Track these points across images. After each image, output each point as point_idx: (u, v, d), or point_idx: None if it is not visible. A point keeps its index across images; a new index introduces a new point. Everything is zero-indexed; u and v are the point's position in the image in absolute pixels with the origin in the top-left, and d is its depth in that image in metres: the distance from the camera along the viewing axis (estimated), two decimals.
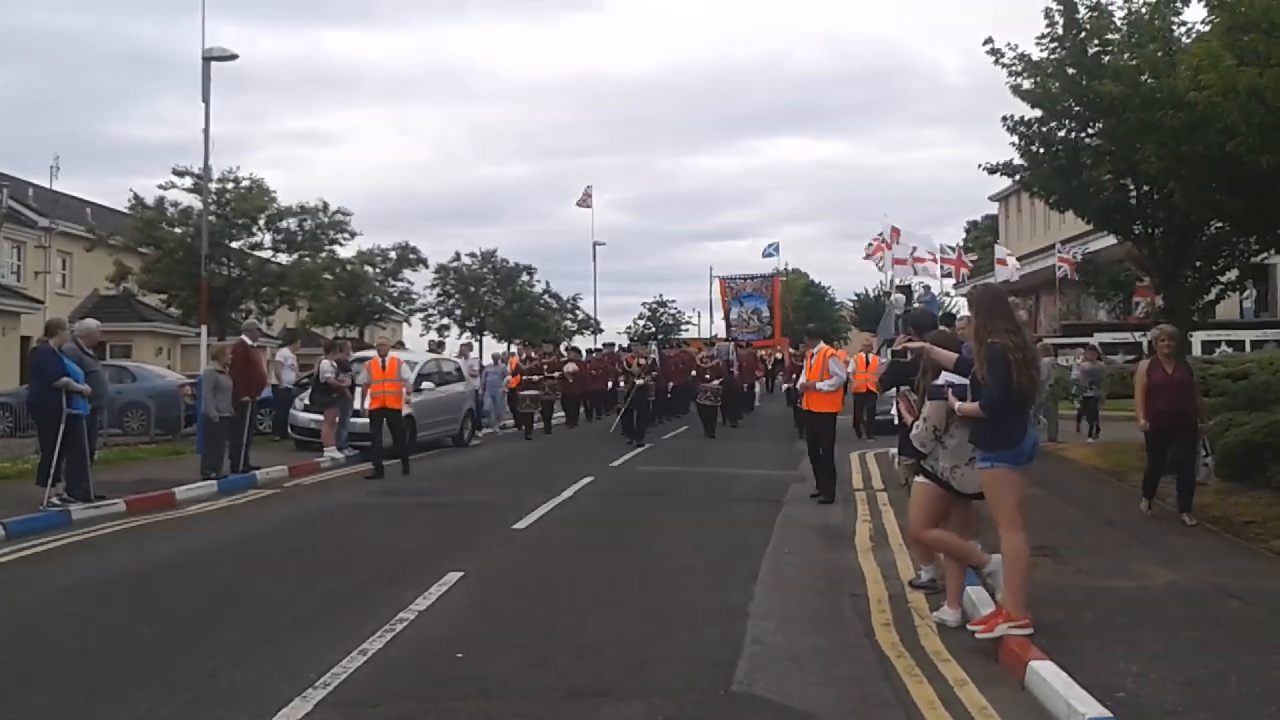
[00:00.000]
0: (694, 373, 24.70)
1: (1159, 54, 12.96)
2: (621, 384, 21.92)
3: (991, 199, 55.21)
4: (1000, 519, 6.47)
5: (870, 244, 38.78)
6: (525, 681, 5.96)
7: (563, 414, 26.69)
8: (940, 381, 6.96)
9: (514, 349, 31.09)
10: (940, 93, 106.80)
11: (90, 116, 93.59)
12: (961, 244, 70.82)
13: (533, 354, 25.27)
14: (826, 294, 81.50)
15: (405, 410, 16.99)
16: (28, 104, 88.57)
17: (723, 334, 38.76)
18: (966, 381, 6.66)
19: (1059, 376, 19.94)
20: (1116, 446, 16.12)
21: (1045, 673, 5.44)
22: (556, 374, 24.97)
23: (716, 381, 23.43)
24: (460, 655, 6.45)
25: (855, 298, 73.76)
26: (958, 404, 6.60)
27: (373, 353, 17.96)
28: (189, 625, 7.27)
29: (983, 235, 62.32)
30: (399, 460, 16.23)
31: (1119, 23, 14.03)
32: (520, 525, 11.26)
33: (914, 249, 34.13)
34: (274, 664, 6.24)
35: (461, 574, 8.57)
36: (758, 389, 34.15)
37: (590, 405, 28.24)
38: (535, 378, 23.74)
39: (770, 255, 52.61)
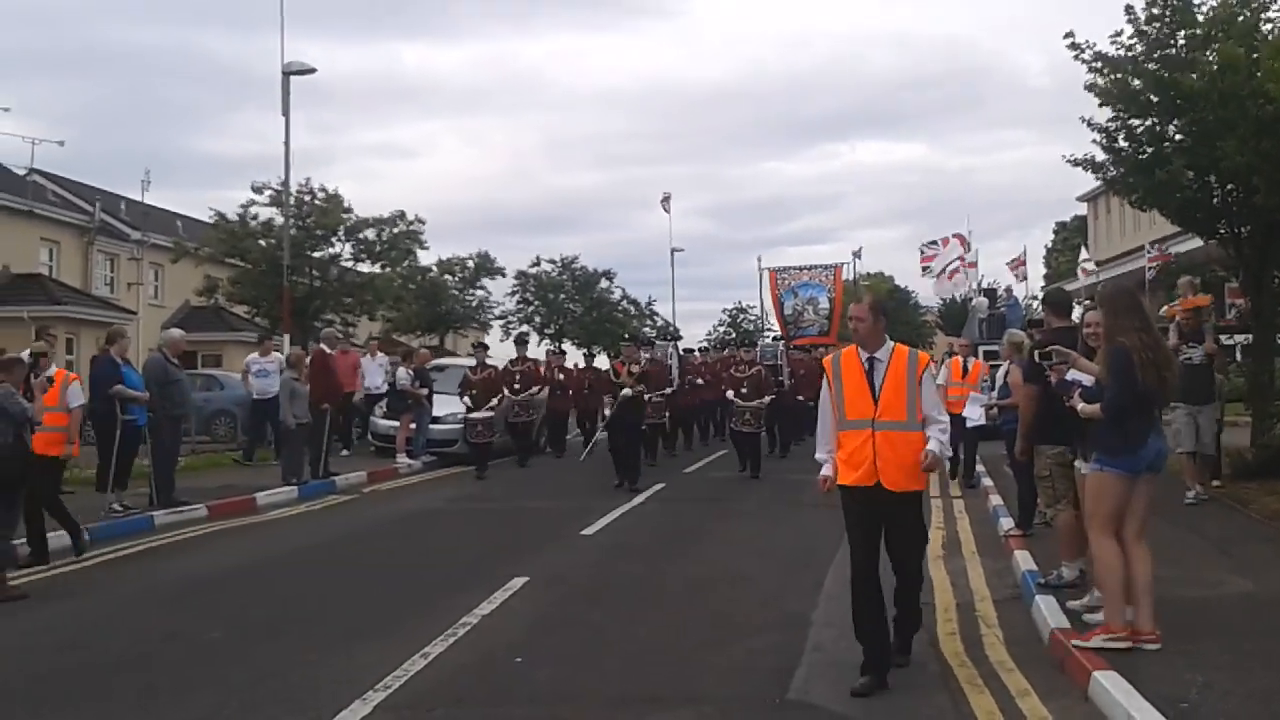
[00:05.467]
0: (725, 387, 17.71)
1: (1241, 50, 12.57)
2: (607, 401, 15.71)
3: (1079, 199, 53.96)
4: (1092, 524, 6.34)
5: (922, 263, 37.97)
6: (579, 686, 6.00)
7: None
8: (1070, 378, 6.84)
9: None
10: (1023, 93, 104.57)
11: (178, 131, 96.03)
12: (1049, 245, 69.95)
13: (489, 360, 18.85)
14: (911, 298, 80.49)
15: None
16: (117, 119, 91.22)
17: (764, 336, 35.01)
18: (1091, 381, 6.53)
19: None
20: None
21: (1108, 683, 5.30)
22: (535, 389, 19.05)
23: (758, 400, 16.51)
24: (519, 660, 6.50)
25: (941, 302, 72.68)
26: (1081, 405, 6.47)
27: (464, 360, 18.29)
28: (258, 628, 7.43)
29: (1071, 237, 61.04)
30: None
31: (1203, 17, 13.65)
32: (588, 531, 11.31)
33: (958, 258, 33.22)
34: (337, 667, 6.34)
35: (527, 579, 8.66)
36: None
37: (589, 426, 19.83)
38: (494, 399, 17.59)
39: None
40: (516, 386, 18.38)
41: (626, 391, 15.04)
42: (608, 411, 15.51)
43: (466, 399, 17.35)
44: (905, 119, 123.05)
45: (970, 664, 6.23)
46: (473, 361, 19.10)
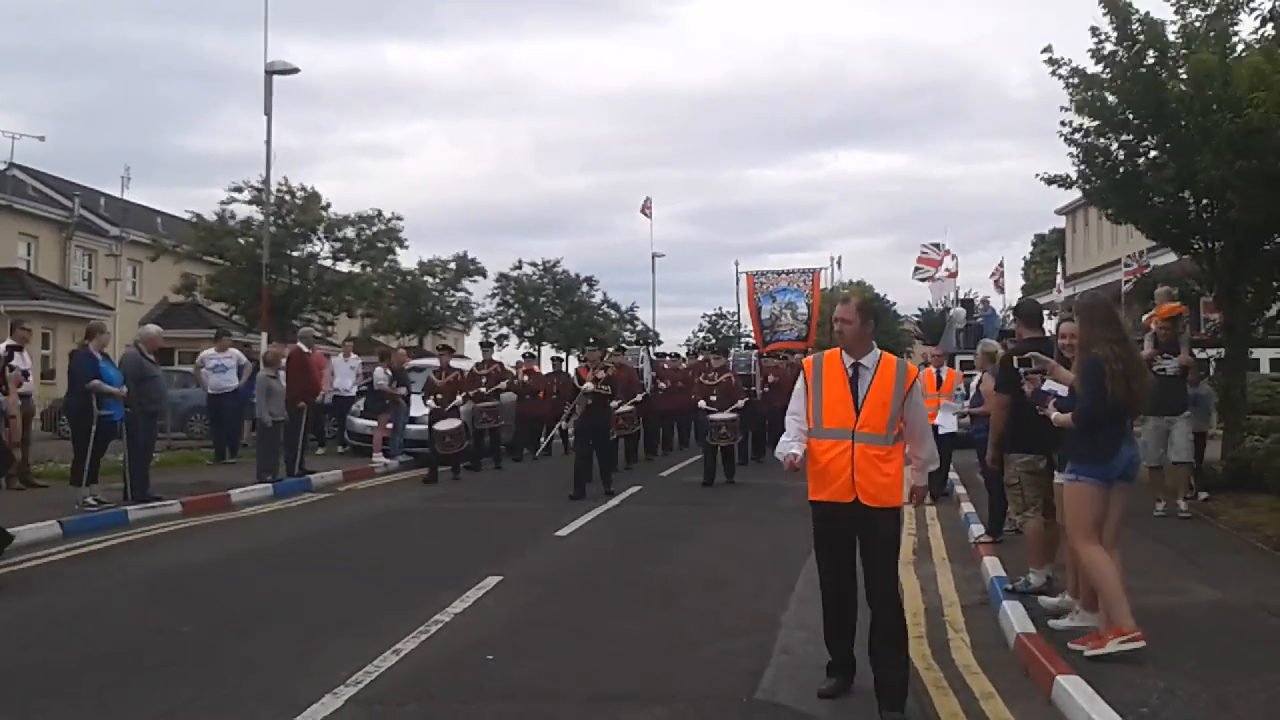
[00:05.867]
0: (694, 395, 17.12)
1: (1216, 67, 12.73)
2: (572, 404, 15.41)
3: (1058, 212, 54.35)
4: (1075, 535, 6.41)
5: (919, 264, 38.06)
6: (551, 684, 6.03)
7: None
8: (1045, 389, 6.95)
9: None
10: (1006, 105, 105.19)
11: (159, 128, 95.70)
12: (1028, 257, 70.36)
13: (454, 363, 18.39)
14: (890, 308, 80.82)
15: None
16: (99, 115, 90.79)
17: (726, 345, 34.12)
18: (1065, 391, 6.62)
19: None
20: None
21: (1071, 687, 5.38)
22: (502, 385, 18.85)
23: (731, 411, 16.02)
24: (491, 657, 6.53)
25: (919, 312, 72.95)
26: (1055, 414, 6.57)
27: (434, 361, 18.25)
28: (231, 623, 7.43)
29: (1050, 249, 61.48)
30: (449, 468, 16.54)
31: (1172, 36, 13.81)
32: (563, 532, 11.36)
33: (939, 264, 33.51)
34: (310, 662, 6.36)
35: (501, 578, 8.69)
36: None
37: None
38: (459, 400, 17.15)
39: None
40: (483, 390, 18.06)
41: (589, 386, 14.66)
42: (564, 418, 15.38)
43: (430, 401, 16.93)
44: (889, 128, 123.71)
45: (937, 667, 6.29)
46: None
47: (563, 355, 28.65)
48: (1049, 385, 6.88)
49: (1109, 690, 5.34)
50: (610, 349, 19.60)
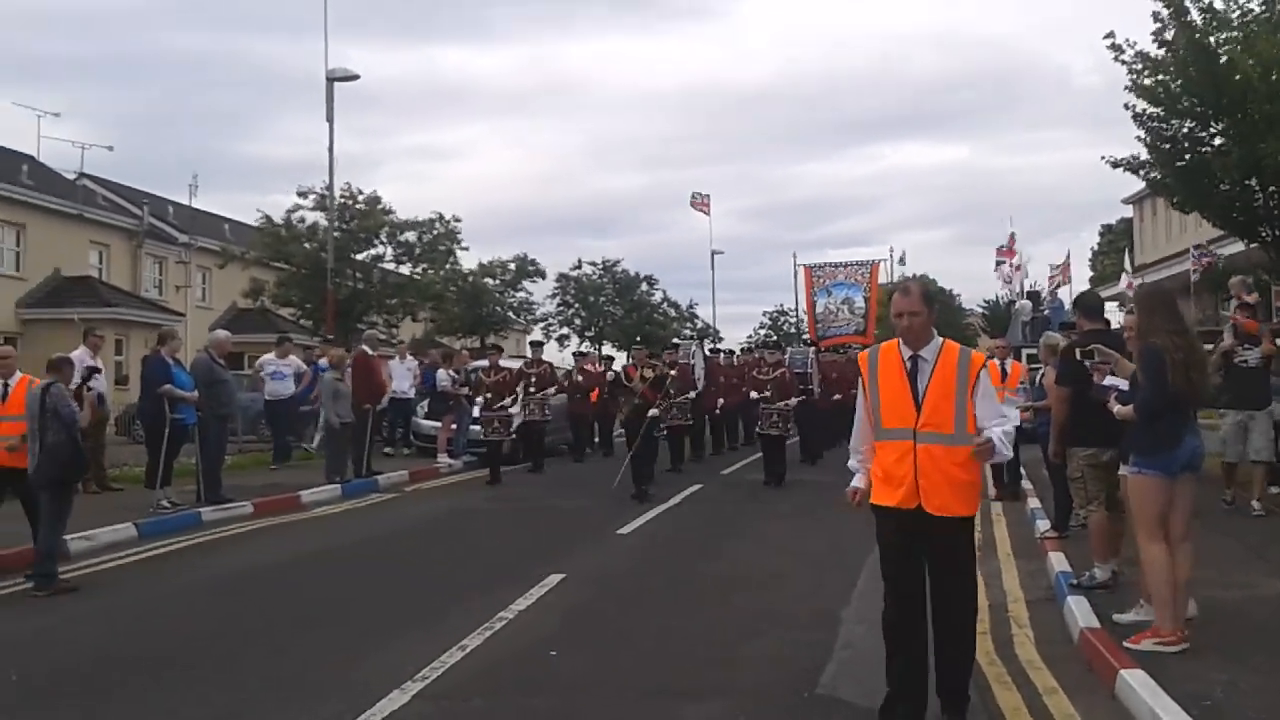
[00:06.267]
0: (748, 389, 17.04)
1: (1274, 52, 12.52)
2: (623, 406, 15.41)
3: (1125, 201, 53.39)
4: (1139, 529, 6.35)
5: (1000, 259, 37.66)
6: (612, 679, 6.11)
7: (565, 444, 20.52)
8: (1106, 383, 6.91)
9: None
10: (1068, 93, 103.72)
11: (223, 135, 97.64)
12: (1095, 248, 69.21)
13: (502, 363, 17.89)
14: (954, 301, 79.96)
15: None
16: (165, 124, 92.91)
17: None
18: (1127, 385, 6.59)
19: None
20: None
21: (1135, 681, 5.34)
22: (552, 391, 18.66)
23: (784, 402, 15.83)
24: (554, 653, 6.64)
25: (984, 304, 72.04)
26: (1117, 407, 6.54)
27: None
28: (300, 620, 7.62)
29: (1117, 239, 60.43)
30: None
31: (1235, 20, 13.60)
32: (624, 530, 11.45)
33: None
34: (378, 659, 6.50)
35: (564, 576, 8.81)
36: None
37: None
38: (507, 401, 16.92)
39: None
40: (532, 389, 17.95)
41: (637, 384, 14.54)
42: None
43: (479, 401, 16.97)
44: (947, 120, 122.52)
45: (1000, 662, 6.28)
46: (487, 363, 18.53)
47: (612, 354, 28.30)
48: (1110, 380, 6.82)
49: (1172, 683, 5.30)
50: (645, 348, 17.91)
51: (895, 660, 5.06)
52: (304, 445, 19.26)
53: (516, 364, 19.18)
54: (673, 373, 15.92)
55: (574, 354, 23.59)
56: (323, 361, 18.42)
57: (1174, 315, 6.38)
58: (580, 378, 20.23)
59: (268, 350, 19.59)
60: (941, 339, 5.16)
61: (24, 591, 8.44)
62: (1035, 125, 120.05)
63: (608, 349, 45.16)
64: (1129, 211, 55.78)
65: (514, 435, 17.21)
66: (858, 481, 5.25)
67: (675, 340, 23.77)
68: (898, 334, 5.16)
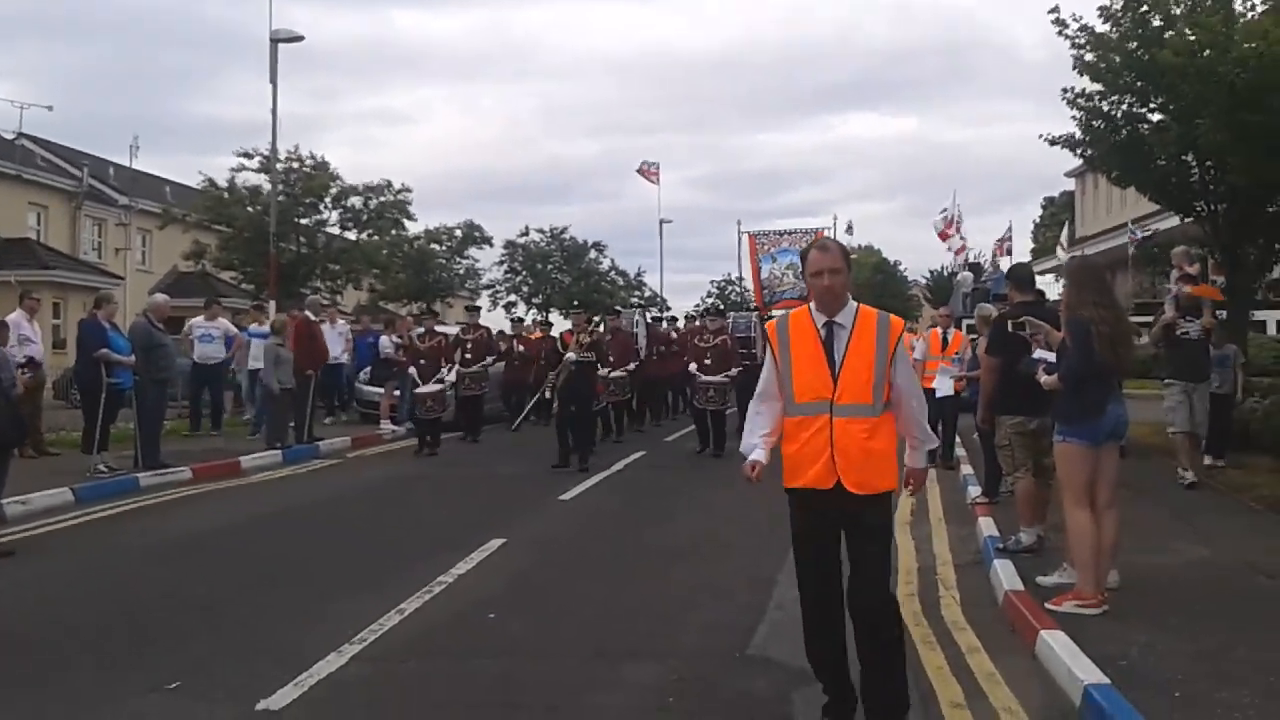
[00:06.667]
0: (688, 359, 16.76)
1: (1219, 27, 12.74)
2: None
3: (1067, 175, 54.10)
4: (1065, 495, 6.55)
5: (938, 226, 38.00)
6: (551, 642, 6.20)
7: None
8: (1035, 356, 7.10)
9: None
10: (1018, 66, 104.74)
11: (167, 95, 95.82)
12: (1038, 220, 70.09)
13: (439, 328, 17.71)
14: (899, 271, 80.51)
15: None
16: (106, 83, 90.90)
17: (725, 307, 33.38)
18: (1054, 357, 6.76)
19: None
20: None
21: (1054, 642, 5.53)
22: (489, 360, 18.22)
23: (724, 375, 15.58)
24: (492, 616, 6.71)
25: (929, 275, 72.71)
26: (1044, 378, 6.71)
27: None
28: (240, 586, 7.62)
29: (1059, 213, 61.23)
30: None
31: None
32: (566, 497, 11.54)
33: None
34: (317, 621, 6.55)
35: (504, 541, 8.88)
36: None
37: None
38: (444, 369, 16.59)
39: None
40: (468, 357, 17.55)
41: (571, 356, 14.18)
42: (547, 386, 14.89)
43: (413, 369, 16.46)
44: (900, 91, 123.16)
45: (926, 623, 6.46)
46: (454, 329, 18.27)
47: (546, 320, 27.46)
48: (1039, 353, 7.00)
49: (1091, 644, 5.49)
50: (590, 314, 17.69)
51: (815, 645, 4.77)
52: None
53: (455, 330, 18.94)
54: (608, 338, 15.81)
55: (510, 319, 22.89)
56: (253, 326, 18.16)
57: (1102, 288, 6.55)
58: (521, 348, 19.83)
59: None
60: (856, 303, 4.72)
61: None
62: (984, 98, 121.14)
63: (555, 316, 45.07)
64: (1072, 185, 56.59)
65: (449, 409, 16.84)
66: (757, 454, 4.82)
67: (617, 307, 23.43)
68: (815, 296, 4.74)
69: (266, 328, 17.37)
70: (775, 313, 26.11)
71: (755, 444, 4.84)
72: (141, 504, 11.15)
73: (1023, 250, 58.32)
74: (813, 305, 4.75)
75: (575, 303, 28.06)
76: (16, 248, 31.33)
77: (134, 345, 12.72)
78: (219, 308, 18.13)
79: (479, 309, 20.56)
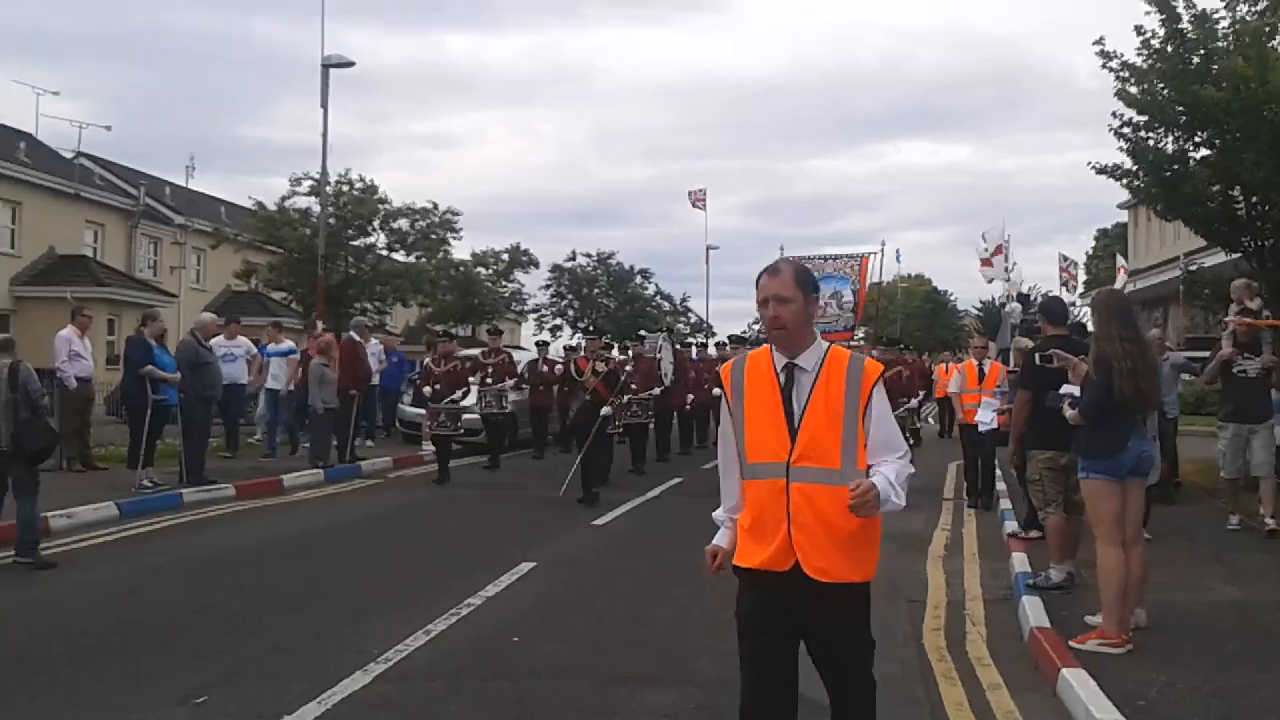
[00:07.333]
0: (710, 387, 16.32)
1: (1248, 61, 12.59)
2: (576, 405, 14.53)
3: (1120, 206, 53.58)
4: (1097, 531, 6.51)
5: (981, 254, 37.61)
6: (573, 665, 6.25)
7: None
8: (1062, 391, 7.01)
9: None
10: (1073, 95, 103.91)
11: (222, 117, 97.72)
12: (1090, 251, 69.35)
13: (457, 350, 17.15)
14: (949, 302, 79.97)
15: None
16: (163, 104, 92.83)
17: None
18: (1079, 391, 6.73)
19: None
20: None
21: (1074, 680, 5.50)
22: (510, 383, 17.86)
23: None
24: (517, 639, 6.78)
25: (980, 305, 72.10)
26: (1068, 412, 6.67)
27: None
28: (274, 602, 7.76)
29: (1112, 244, 60.62)
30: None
31: (1223, 31, 13.68)
32: (599, 521, 11.60)
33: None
34: (345, 640, 6.65)
35: (535, 564, 8.96)
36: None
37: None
38: (459, 392, 15.81)
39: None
40: (489, 381, 17.24)
41: (588, 379, 13.73)
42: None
43: (427, 390, 15.71)
44: (953, 119, 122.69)
45: (949, 658, 6.44)
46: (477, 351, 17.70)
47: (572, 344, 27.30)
48: (1065, 388, 6.95)
49: (1112, 683, 5.46)
50: (599, 338, 16.77)
51: None
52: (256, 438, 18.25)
53: (476, 353, 18.66)
54: (628, 368, 15.48)
55: (535, 343, 22.17)
56: (271, 346, 18.05)
57: (1128, 321, 6.51)
58: (544, 368, 19.09)
59: (258, 334, 19.39)
60: (827, 343, 3.74)
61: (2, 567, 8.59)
62: (1039, 127, 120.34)
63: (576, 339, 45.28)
64: (1125, 216, 55.98)
65: (461, 430, 16.08)
66: (720, 539, 3.93)
67: (642, 332, 22.90)
68: (765, 330, 3.80)
69: (285, 346, 17.63)
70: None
71: (722, 520, 3.97)
72: (183, 520, 11.37)
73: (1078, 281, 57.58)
74: (772, 346, 3.78)
75: (589, 328, 27.93)
76: (74, 265, 32.03)
77: (181, 363, 12.99)
78: (237, 326, 17.40)
79: (501, 332, 20.23)
